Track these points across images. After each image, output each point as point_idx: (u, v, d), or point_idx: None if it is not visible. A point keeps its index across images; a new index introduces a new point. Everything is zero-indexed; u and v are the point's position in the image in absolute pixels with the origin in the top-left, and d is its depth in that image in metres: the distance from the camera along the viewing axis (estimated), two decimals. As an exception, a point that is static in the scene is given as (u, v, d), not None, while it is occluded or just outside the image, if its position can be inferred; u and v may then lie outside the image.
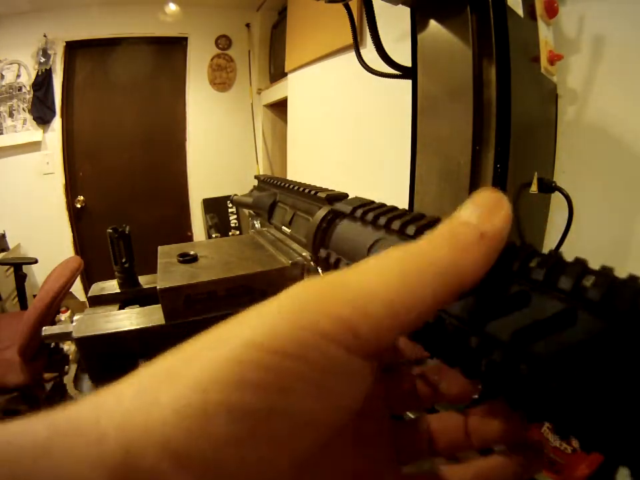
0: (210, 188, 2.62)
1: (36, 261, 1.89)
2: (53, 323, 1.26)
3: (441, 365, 0.18)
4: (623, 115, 0.61)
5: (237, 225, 2.65)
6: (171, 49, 2.50)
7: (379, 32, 0.60)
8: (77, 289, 2.34)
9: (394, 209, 0.23)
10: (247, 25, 2.53)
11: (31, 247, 2.26)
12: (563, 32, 0.65)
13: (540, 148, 0.62)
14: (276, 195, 0.52)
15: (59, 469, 0.09)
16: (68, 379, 0.51)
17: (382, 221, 0.21)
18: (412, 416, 0.19)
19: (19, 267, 1.84)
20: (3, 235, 2.18)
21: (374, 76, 0.66)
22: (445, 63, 0.53)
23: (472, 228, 0.13)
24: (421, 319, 0.12)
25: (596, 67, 0.63)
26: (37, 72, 2.21)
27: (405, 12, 0.57)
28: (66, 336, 0.53)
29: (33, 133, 2.27)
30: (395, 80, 0.64)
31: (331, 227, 0.27)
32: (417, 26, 0.56)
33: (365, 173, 1.35)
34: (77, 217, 2.45)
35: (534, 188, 0.57)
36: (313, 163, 1.81)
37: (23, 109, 2.24)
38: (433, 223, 0.18)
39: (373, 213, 0.22)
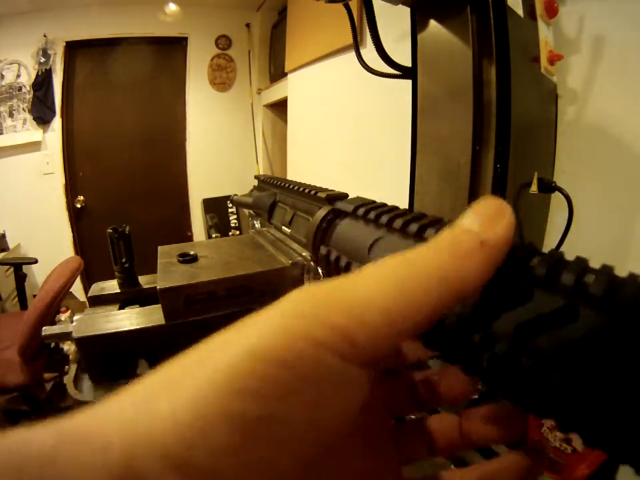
0: (210, 188, 2.62)
1: (36, 261, 1.89)
2: (53, 322, 1.26)
3: (441, 369, 0.18)
4: (623, 114, 0.61)
5: (237, 225, 2.65)
6: (171, 49, 2.50)
7: (379, 32, 0.60)
8: (77, 288, 2.34)
9: (395, 208, 0.23)
10: (247, 25, 2.53)
11: (30, 247, 2.26)
12: (563, 32, 0.65)
13: (540, 148, 0.62)
14: (276, 194, 0.52)
15: (65, 477, 0.09)
16: (68, 379, 0.51)
17: (384, 219, 0.21)
18: (413, 417, 0.19)
19: (19, 267, 1.84)
20: (3, 235, 2.18)
21: (374, 76, 0.66)
22: (445, 63, 0.53)
23: (472, 236, 0.13)
24: (420, 327, 0.12)
25: (596, 67, 0.63)
26: (37, 72, 2.21)
27: (405, 12, 0.57)
28: (66, 336, 0.53)
29: (33, 132, 2.27)
30: (395, 80, 0.64)
31: (330, 226, 0.27)
32: (417, 26, 0.56)
33: (365, 172, 1.35)
34: (77, 217, 2.45)
35: (534, 188, 0.57)
36: (313, 163, 1.81)
37: (23, 109, 2.24)
38: (435, 222, 0.18)
39: (374, 212, 0.22)
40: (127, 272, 0.64)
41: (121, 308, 0.61)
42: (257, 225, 0.81)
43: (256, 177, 0.68)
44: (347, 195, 0.34)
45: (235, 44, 2.56)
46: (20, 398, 1.37)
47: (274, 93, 2.36)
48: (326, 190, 0.37)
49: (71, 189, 2.40)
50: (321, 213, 0.29)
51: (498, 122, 0.48)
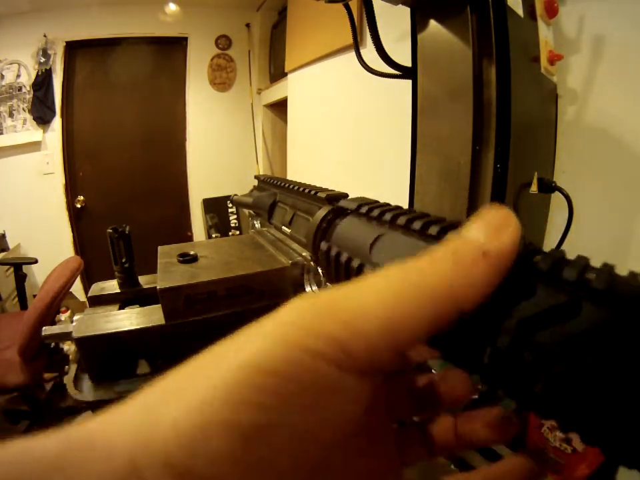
0: (210, 188, 2.62)
1: (36, 261, 1.89)
2: (53, 322, 1.26)
3: (441, 371, 0.18)
4: (623, 114, 0.61)
5: (237, 225, 2.65)
6: (171, 49, 2.50)
7: (379, 32, 0.60)
8: (77, 288, 2.34)
9: (399, 207, 0.23)
10: (247, 25, 2.53)
11: (30, 247, 2.26)
12: (563, 32, 0.65)
13: (540, 148, 0.62)
14: (276, 194, 0.52)
15: None
16: (68, 379, 0.51)
17: (387, 216, 0.21)
18: (414, 420, 0.19)
19: (19, 267, 1.84)
20: (3, 235, 2.18)
21: (374, 76, 0.66)
22: (444, 62, 0.53)
23: (475, 246, 0.13)
24: (418, 339, 0.12)
25: (596, 67, 0.63)
26: (37, 72, 2.21)
27: (405, 12, 0.57)
28: (66, 336, 0.53)
29: (33, 132, 2.27)
30: (395, 80, 0.64)
31: (331, 226, 0.27)
32: (417, 26, 0.56)
33: (365, 172, 1.35)
34: (77, 217, 2.45)
35: (534, 188, 0.57)
36: (313, 163, 1.81)
37: (23, 109, 2.24)
38: (439, 221, 0.18)
39: (378, 210, 0.23)
40: (126, 272, 0.64)
41: (121, 308, 0.61)
42: (257, 225, 0.81)
43: (256, 177, 0.68)
44: (346, 195, 0.34)
45: (234, 44, 2.56)
46: (20, 398, 1.37)
47: (274, 93, 2.36)
48: (326, 190, 0.37)
49: (71, 189, 2.40)
50: (321, 212, 0.29)
51: (498, 122, 0.48)
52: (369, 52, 0.63)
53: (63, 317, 1.88)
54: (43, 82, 2.22)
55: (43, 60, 2.21)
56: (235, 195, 0.71)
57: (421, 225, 0.18)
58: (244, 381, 0.10)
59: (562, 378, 0.11)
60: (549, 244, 0.63)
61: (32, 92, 2.21)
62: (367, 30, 0.60)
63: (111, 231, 0.64)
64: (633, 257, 0.62)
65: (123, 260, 0.64)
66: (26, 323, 1.22)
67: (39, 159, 2.31)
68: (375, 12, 0.59)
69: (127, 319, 0.55)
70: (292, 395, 0.11)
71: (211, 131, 2.60)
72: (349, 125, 1.44)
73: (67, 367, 0.56)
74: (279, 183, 0.53)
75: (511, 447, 0.44)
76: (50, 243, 2.29)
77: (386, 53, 0.61)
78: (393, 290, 0.12)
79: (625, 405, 0.10)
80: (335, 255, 0.24)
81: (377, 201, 0.25)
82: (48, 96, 2.24)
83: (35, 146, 2.28)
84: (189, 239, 2.66)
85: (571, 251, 0.14)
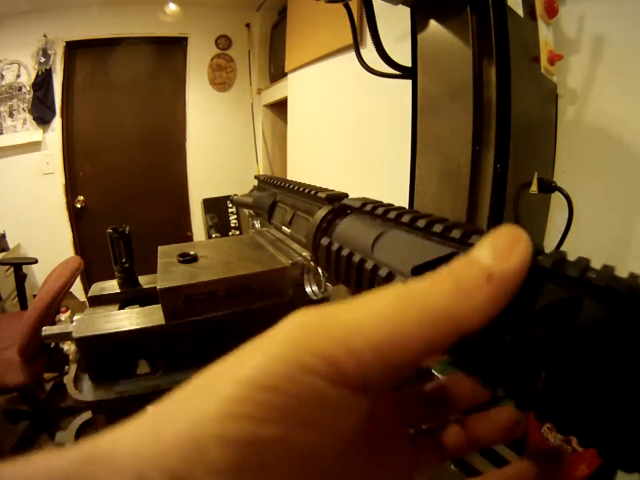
0: (210, 188, 2.62)
1: (36, 261, 1.89)
2: (53, 322, 1.26)
3: (449, 377, 0.18)
4: (623, 114, 0.61)
5: (237, 225, 2.65)
6: (171, 49, 2.50)
7: (379, 32, 0.60)
8: (77, 288, 2.34)
9: (402, 207, 0.23)
10: (247, 25, 2.53)
11: (30, 247, 2.26)
12: (563, 32, 0.65)
13: (540, 148, 0.62)
14: (276, 194, 0.52)
15: None
16: (68, 379, 0.51)
17: (392, 214, 0.21)
18: (424, 427, 0.19)
19: (19, 267, 1.84)
20: (3, 235, 2.18)
21: (374, 76, 0.66)
22: (445, 63, 0.53)
23: (479, 269, 0.12)
24: (415, 362, 0.12)
25: (596, 67, 0.63)
26: (37, 72, 2.21)
27: (405, 12, 0.57)
28: (66, 336, 0.53)
29: (33, 132, 2.27)
30: (395, 80, 0.64)
31: (331, 226, 0.27)
32: (417, 26, 0.56)
33: (365, 172, 1.35)
34: (77, 217, 2.45)
35: (534, 188, 0.57)
36: (313, 163, 1.81)
37: (23, 109, 2.24)
38: (444, 220, 0.19)
39: (382, 208, 0.23)
40: (126, 272, 0.64)
41: (121, 308, 0.61)
42: (257, 225, 0.81)
43: (256, 177, 0.68)
44: (346, 195, 0.34)
45: (234, 44, 2.55)
46: (20, 398, 1.37)
47: (274, 93, 2.36)
48: (326, 190, 0.37)
49: (71, 189, 2.40)
50: (321, 212, 0.29)
51: (498, 122, 0.48)
52: (369, 52, 0.63)
53: (62, 316, 1.88)
54: (43, 82, 2.21)
55: (42, 60, 2.21)
56: (235, 195, 0.71)
57: (425, 223, 0.19)
58: (241, 396, 0.11)
59: (566, 371, 0.11)
60: (549, 244, 0.63)
61: (32, 92, 2.21)
62: (367, 30, 0.60)
63: (110, 231, 0.63)
64: (633, 256, 0.62)
65: (123, 260, 0.64)
66: (26, 323, 1.22)
67: (39, 159, 2.31)
68: (375, 12, 0.59)
69: (127, 319, 0.55)
70: (291, 410, 0.11)
71: (210, 130, 2.60)
72: (349, 125, 1.44)
73: (66, 367, 0.56)
74: (279, 182, 0.53)
75: (511, 447, 0.44)
76: (50, 243, 2.29)
77: (386, 53, 0.61)
78: (390, 312, 0.12)
79: (624, 403, 0.10)
80: (336, 250, 0.24)
81: (380, 201, 0.25)
82: (48, 96, 2.24)
83: (34, 146, 2.28)
84: (189, 239, 2.66)
85: (571, 251, 0.14)
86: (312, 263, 0.55)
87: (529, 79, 0.56)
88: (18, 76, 2.22)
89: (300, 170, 1.95)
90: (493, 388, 0.14)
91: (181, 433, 0.10)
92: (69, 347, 1.40)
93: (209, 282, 0.55)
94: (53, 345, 1.34)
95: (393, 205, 0.24)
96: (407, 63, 0.60)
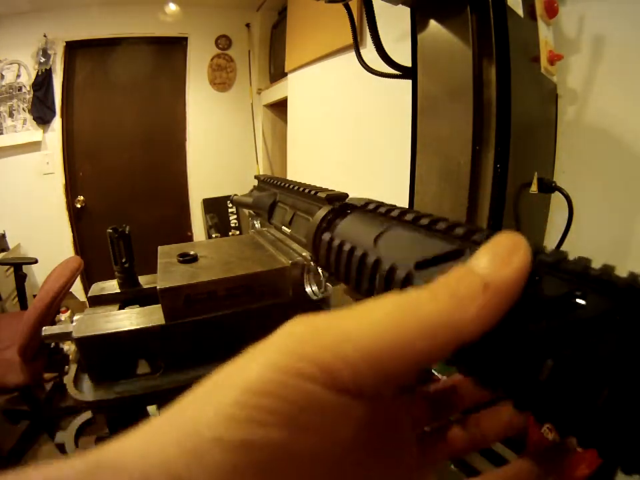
0: (210, 188, 2.62)
1: (36, 261, 1.89)
2: (53, 322, 1.26)
3: (453, 377, 0.18)
4: (623, 114, 0.61)
5: (237, 225, 2.65)
6: (171, 49, 2.50)
7: (379, 32, 0.60)
8: (77, 288, 2.34)
9: (404, 208, 0.23)
10: (247, 25, 2.53)
11: (30, 247, 2.26)
12: (563, 32, 0.65)
13: (540, 148, 0.62)
14: (276, 194, 0.52)
15: None
16: (68, 379, 0.51)
17: (395, 212, 0.22)
18: (428, 428, 0.19)
19: (19, 267, 1.84)
20: (3, 235, 2.18)
21: (374, 76, 0.66)
22: (444, 63, 0.53)
23: (476, 278, 0.12)
24: (409, 371, 0.12)
25: (596, 67, 0.63)
26: (37, 72, 2.21)
27: (405, 12, 0.57)
28: (66, 336, 0.53)
29: (33, 132, 2.27)
30: (395, 80, 0.64)
31: (331, 226, 0.27)
32: (417, 26, 0.56)
33: (365, 172, 1.35)
34: (77, 217, 2.45)
35: (534, 188, 0.57)
36: (313, 163, 1.81)
37: (23, 109, 2.24)
38: (445, 220, 0.19)
39: (385, 207, 0.23)
40: (127, 272, 0.64)
41: (121, 308, 0.61)
42: (257, 225, 0.81)
43: (256, 177, 0.68)
44: (347, 195, 0.34)
45: (234, 44, 2.56)
46: (20, 398, 1.37)
47: (274, 93, 2.36)
48: (326, 190, 0.37)
49: (71, 189, 2.41)
50: (321, 212, 0.29)
51: (498, 122, 0.48)
52: (369, 52, 0.63)
53: (63, 317, 1.88)
54: (43, 82, 2.22)
55: (43, 60, 2.21)
56: (235, 194, 0.71)
57: (428, 221, 0.19)
58: (242, 400, 0.11)
59: (569, 360, 0.11)
60: (549, 244, 0.63)
61: (32, 92, 2.21)
62: (367, 30, 0.60)
63: (111, 231, 0.63)
64: (633, 256, 0.62)
65: (123, 260, 0.64)
66: (26, 323, 1.22)
67: (39, 159, 2.31)
68: (375, 12, 0.59)
69: (127, 319, 0.55)
70: (291, 414, 0.11)
71: (210, 130, 2.60)
72: (349, 125, 1.44)
73: (66, 367, 0.56)
74: (278, 183, 0.53)
75: (511, 447, 0.44)
76: (50, 243, 2.29)
77: (386, 53, 0.61)
78: (386, 321, 0.12)
79: (623, 402, 0.10)
80: (338, 245, 0.24)
81: (381, 202, 0.25)
82: (48, 96, 2.24)
83: (34, 146, 2.28)
84: (189, 239, 2.66)
85: (571, 251, 0.14)
86: (312, 263, 0.55)
87: (528, 78, 0.56)
88: (18, 76, 2.22)
89: (300, 170, 1.95)
90: (492, 387, 0.14)
91: (180, 440, 0.11)
92: (68, 347, 1.40)
93: (209, 282, 0.55)
94: (52, 345, 1.34)
95: (394, 206, 0.24)
96: (407, 62, 0.60)
